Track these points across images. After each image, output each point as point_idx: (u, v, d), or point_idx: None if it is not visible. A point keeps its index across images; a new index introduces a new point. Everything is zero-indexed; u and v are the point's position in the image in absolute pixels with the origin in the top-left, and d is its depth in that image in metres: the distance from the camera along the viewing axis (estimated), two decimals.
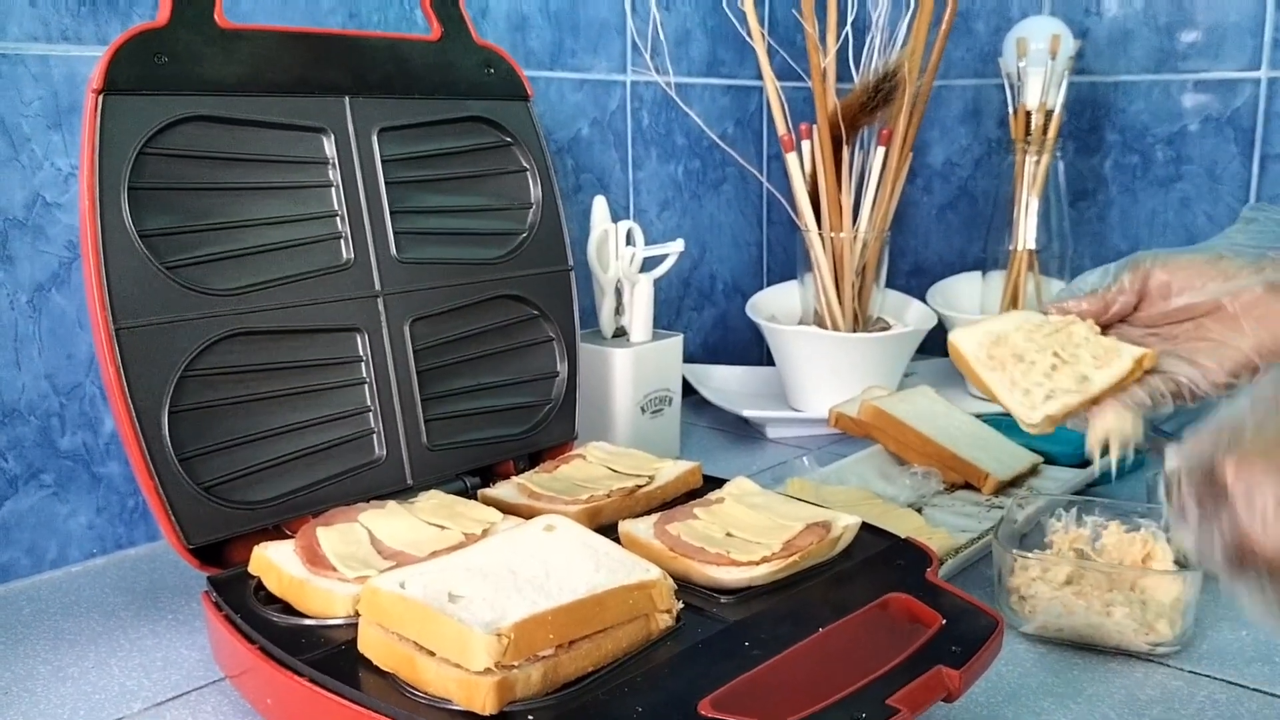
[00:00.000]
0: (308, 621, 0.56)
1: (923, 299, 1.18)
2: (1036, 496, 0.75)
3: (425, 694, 0.48)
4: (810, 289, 1.12)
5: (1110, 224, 1.22)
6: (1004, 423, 0.95)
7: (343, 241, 0.72)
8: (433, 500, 0.69)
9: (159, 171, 0.64)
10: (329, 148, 0.71)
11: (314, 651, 0.53)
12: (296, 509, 0.68)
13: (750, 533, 0.63)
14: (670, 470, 0.75)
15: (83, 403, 0.77)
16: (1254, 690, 0.60)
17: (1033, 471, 0.89)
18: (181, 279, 0.64)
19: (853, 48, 1.10)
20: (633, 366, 0.95)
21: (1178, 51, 1.15)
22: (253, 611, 0.57)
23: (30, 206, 0.74)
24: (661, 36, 1.12)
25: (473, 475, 0.78)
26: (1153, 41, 1.16)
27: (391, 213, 0.74)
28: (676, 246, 0.99)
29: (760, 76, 1.11)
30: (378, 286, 0.73)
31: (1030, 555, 0.66)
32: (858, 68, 1.09)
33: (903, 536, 0.65)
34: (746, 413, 1.07)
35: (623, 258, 0.96)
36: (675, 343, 0.99)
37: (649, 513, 0.67)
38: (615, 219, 0.97)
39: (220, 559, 0.65)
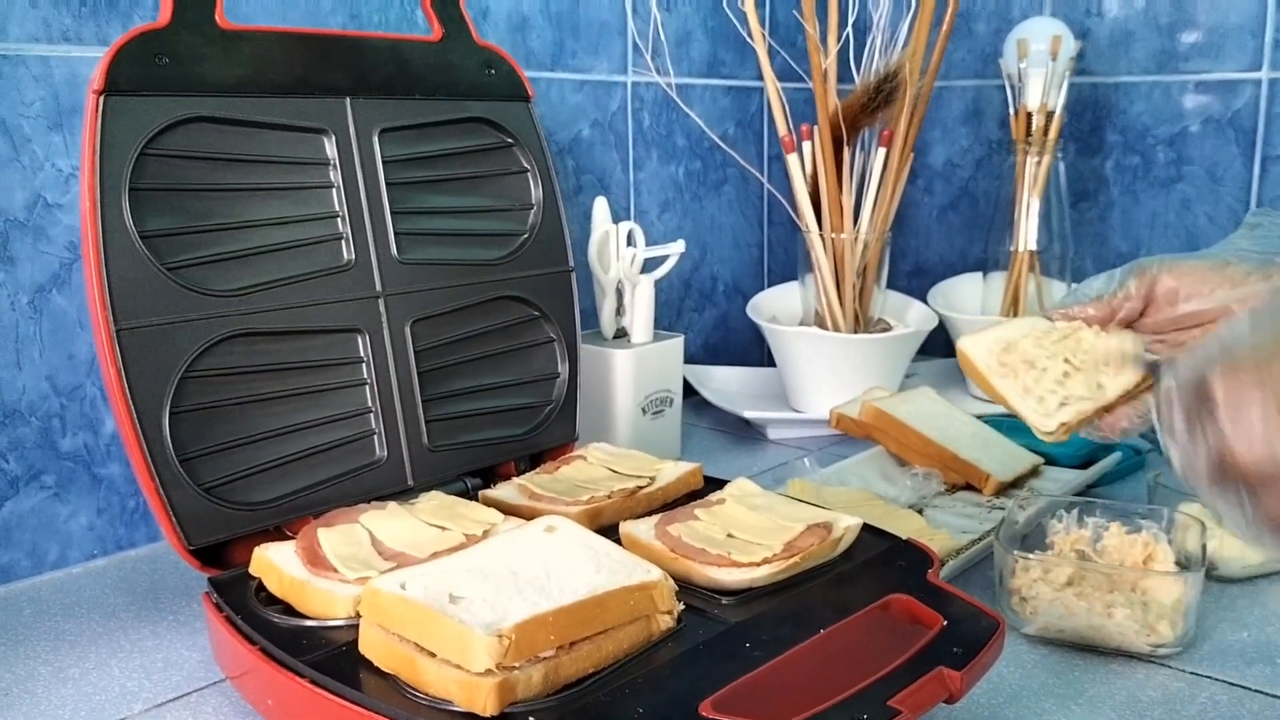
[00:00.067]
0: (308, 623, 0.56)
1: (924, 300, 1.18)
2: (1038, 498, 0.75)
3: (426, 695, 0.48)
4: (811, 290, 1.12)
5: (1111, 225, 1.22)
6: (1005, 424, 0.95)
7: (344, 242, 0.72)
8: (433, 501, 0.69)
9: (160, 172, 0.64)
10: (330, 148, 0.71)
11: (315, 653, 0.53)
12: (297, 510, 0.68)
13: (751, 534, 0.63)
14: (671, 471, 0.75)
15: (83, 404, 0.77)
16: (1255, 692, 0.60)
17: (1034, 472, 0.89)
18: (182, 280, 0.64)
19: (853, 48, 1.10)
20: (634, 367, 0.95)
21: (1179, 52, 1.15)
22: (253, 613, 0.57)
23: (31, 207, 0.74)
24: (662, 37, 1.12)
25: (474, 476, 0.78)
26: (1154, 42, 1.16)
27: (392, 213, 0.74)
28: (677, 247, 0.99)
29: (761, 77, 1.11)
30: (379, 287, 0.73)
31: (1031, 556, 0.66)
32: (859, 69, 1.09)
33: (904, 538, 0.65)
34: (747, 414, 1.07)
35: (624, 259, 0.96)
36: (676, 344, 0.99)
37: (650, 514, 0.67)
38: (616, 220, 0.97)
39: (221, 560, 0.65)
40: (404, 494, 0.72)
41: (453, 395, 0.78)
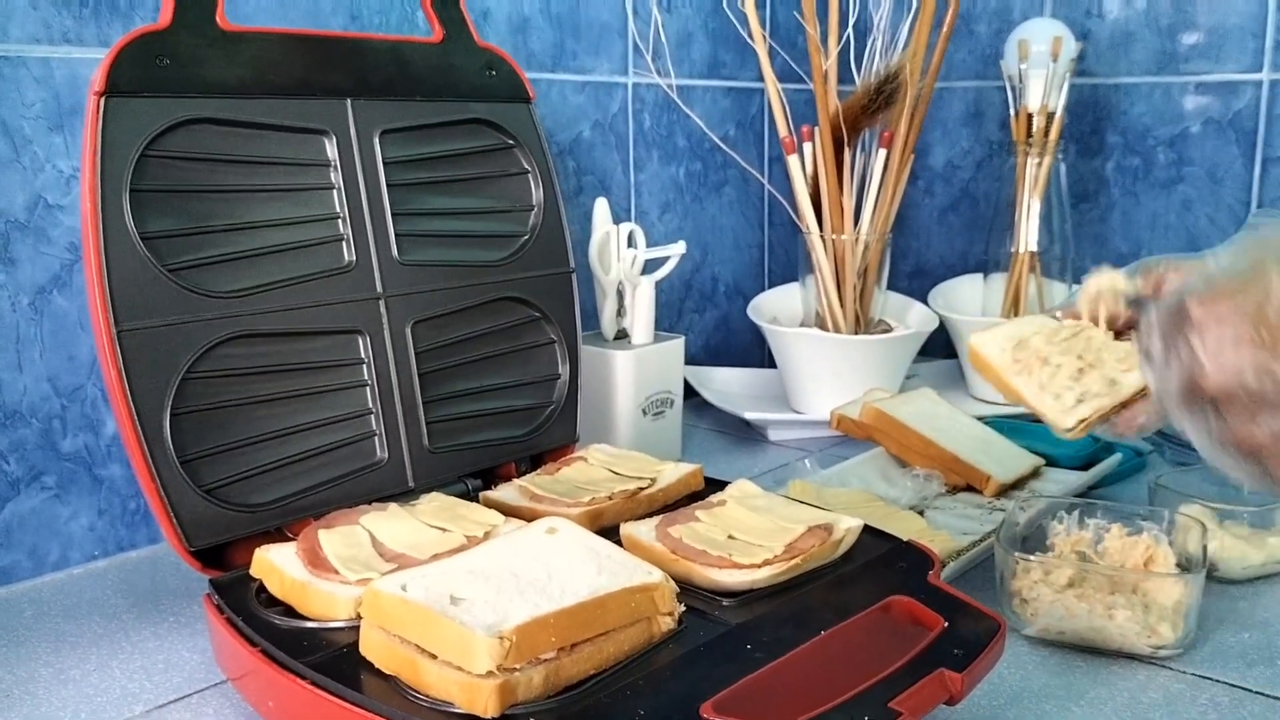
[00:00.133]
0: (309, 624, 0.56)
1: (924, 301, 1.18)
2: (1038, 499, 0.75)
3: (427, 697, 0.48)
4: (812, 291, 1.12)
5: (1112, 226, 1.22)
6: (1005, 425, 0.95)
7: (344, 244, 0.72)
8: (434, 503, 0.69)
9: (161, 174, 0.64)
10: (331, 150, 0.71)
11: (316, 654, 0.53)
12: (298, 511, 0.68)
13: (752, 535, 0.63)
14: (672, 472, 0.75)
15: (84, 405, 0.77)
16: (1256, 693, 0.60)
17: (1034, 474, 0.89)
18: (183, 281, 0.64)
19: (854, 50, 1.10)
20: (634, 369, 0.95)
21: (1179, 54, 1.15)
22: (254, 614, 0.57)
23: (32, 208, 0.74)
24: (663, 38, 1.12)
25: (474, 478, 0.78)
26: (1154, 44, 1.16)
27: (393, 215, 0.74)
28: (678, 248, 0.99)
29: (762, 78, 1.11)
30: (379, 289, 0.73)
31: (1032, 558, 0.66)
32: (859, 70, 1.09)
33: (905, 539, 0.65)
34: (748, 415, 1.07)
35: (624, 260, 0.96)
36: (677, 345, 0.99)
37: (651, 515, 0.67)
38: (617, 221, 0.97)
39: (222, 561, 0.65)
40: (405, 495, 0.72)
41: (453, 396, 0.78)
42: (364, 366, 0.72)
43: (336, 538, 0.62)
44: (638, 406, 0.96)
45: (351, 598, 0.55)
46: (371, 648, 0.51)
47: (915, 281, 1.36)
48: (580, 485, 0.73)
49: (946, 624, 0.53)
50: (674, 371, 0.99)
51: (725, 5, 1.16)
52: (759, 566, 0.59)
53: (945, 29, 1.08)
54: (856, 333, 1.10)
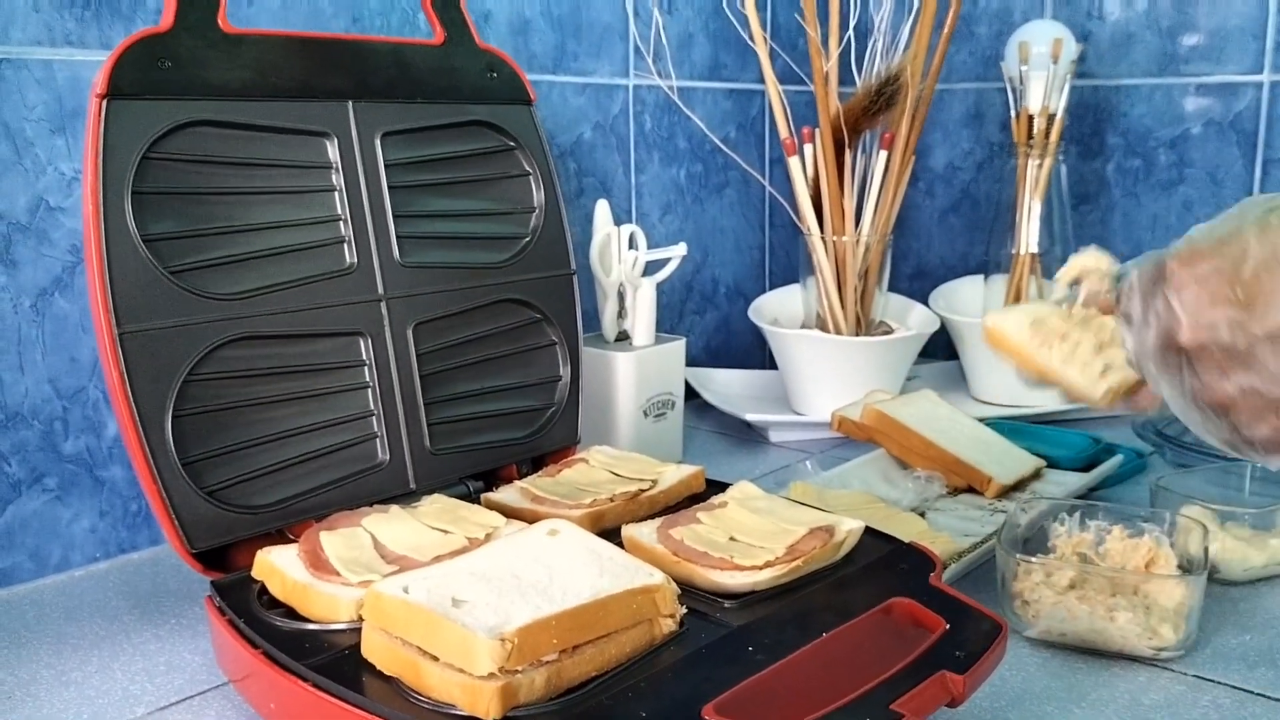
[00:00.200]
0: (311, 626, 0.56)
1: (925, 302, 1.18)
2: (1039, 500, 0.75)
3: (429, 699, 0.48)
4: (812, 292, 1.12)
5: (1112, 228, 1.22)
6: (1006, 426, 0.95)
7: (346, 246, 0.72)
8: (436, 505, 0.69)
9: (162, 176, 0.64)
10: (332, 152, 0.71)
11: (317, 656, 0.53)
12: (300, 513, 0.68)
13: (753, 537, 0.63)
14: (673, 474, 0.75)
15: (86, 407, 0.77)
16: (1258, 695, 0.60)
17: (1035, 475, 0.89)
18: (185, 283, 0.64)
19: (855, 51, 1.10)
20: (635, 370, 0.95)
21: (1180, 55, 1.15)
22: (256, 616, 0.57)
23: (34, 210, 0.74)
24: (664, 40, 1.13)
25: (476, 479, 0.78)
26: (1155, 45, 1.16)
27: (395, 217, 0.74)
28: (679, 250, 0.99)
29: (762, 80, 1.11)
30: (381, 291, 0.73)
31: (1034, 560, 0.66)
32: (860, 71, 1.09)
33: (906, 541, 0.65)
34: (749, 416, 1.07)
35: (625, 261, 0.96)
36: (678, 346, 0.99)
37: (652, 517, 0.67)
38: (618, 223, 0.97)
39: (223, 563, 0.65)
40: (406, 497, 0.72)
41: (455, 398, 0.78)
42: (365, 368, 0.72)
43: (338, 539, 0.62)
44: (639, 408, 0.96)
45: (353, 600, 0.55)
46: (373, 650, 0.51)
47: (916, 283, 1.36)
48: (581, 487, 0.73)
49: (948, 626, 0.53)
50: (675, 373, 0.99)
51: (726, 7, 1.16)
52: (760, 568, 0.59)
53: (946, 31, 1.08)
54: (857, 334, 1.10)
